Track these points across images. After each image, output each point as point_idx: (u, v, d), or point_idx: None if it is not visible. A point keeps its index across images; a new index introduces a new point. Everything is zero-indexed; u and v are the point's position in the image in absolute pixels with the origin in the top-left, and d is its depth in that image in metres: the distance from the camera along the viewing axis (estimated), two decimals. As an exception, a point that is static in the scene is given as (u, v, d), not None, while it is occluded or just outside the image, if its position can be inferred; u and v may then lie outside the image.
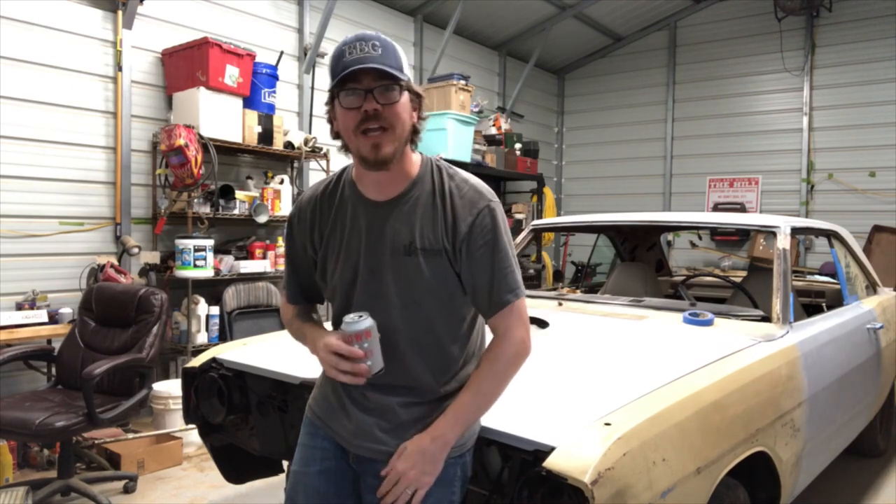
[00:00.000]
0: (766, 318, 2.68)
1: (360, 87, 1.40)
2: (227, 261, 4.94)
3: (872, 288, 3.99)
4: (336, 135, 1.51)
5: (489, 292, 1.49)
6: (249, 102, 5.13)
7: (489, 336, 1.67)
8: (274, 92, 5.36)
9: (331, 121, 1.51)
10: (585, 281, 6.29)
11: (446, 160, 1.62)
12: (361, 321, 1.43)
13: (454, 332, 1.55)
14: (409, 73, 1.47)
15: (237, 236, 5.40)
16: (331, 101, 1.48)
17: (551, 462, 1.51)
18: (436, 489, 1.52)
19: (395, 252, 1.50)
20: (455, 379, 1.56)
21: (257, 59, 5.17)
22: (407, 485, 1.48)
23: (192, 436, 4.10)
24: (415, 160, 1.54)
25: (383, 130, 1.41)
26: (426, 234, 1.49)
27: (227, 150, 5.08)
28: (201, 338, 4.76)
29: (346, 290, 1.57)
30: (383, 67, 1.39)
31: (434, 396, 1.55)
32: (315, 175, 6.04)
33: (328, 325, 1.72)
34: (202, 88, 4.70)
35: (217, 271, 4.79)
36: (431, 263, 1.49)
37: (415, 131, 1.50)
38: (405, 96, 1.45)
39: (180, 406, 4.18)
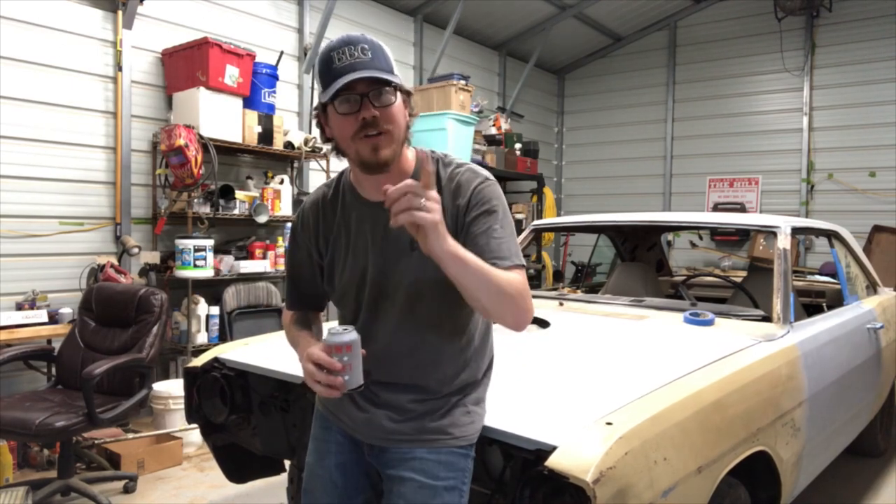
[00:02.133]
0: (767, 318, 2.69)
1: (355, 93, 1.39)
2: (227, 261, 4.93)
3: (872, 288, 3.99)
4: (328, 139, 1.50)
5: (482, 255, 1.40)
6: (249, 102, 5.12)
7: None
8: (274, 92, 5.35)
9: (321, 125, 1.49)
10: (586, 281, 6.30)
11: None
12: (345, 334, 1.39)
13: (460, 330, 1.55)
14: (396, 69, 1.45)
15: (237, 236, 5.40)
16: (321, 107, 1.46)
17: (553, 461, 1.51)
18: (450, 476, 1.53)
19: (401, 249, 1.50)
20: (463, 377, 1.56)
21: (257, 59, 5.17)
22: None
23: (192, 436, 4.10)
24: (409, 157, 1.54)
25: (381, 134, 1.41)
26: None
27: (227, 150, 5.08)
28: (201, 338, 4.76)
29: (356, 293, 1.57)
30: (377, 75, 1.38)
31: (442, 394, 1.55)
32: (315, 175, 6.04)
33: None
34: (202, 88, 4.69)
35: (217, 271, 4.79)
36: None
37: (406, 128, 1.50)
38: (399, 97, 1.44)
39: (180, 406, 4.17)
